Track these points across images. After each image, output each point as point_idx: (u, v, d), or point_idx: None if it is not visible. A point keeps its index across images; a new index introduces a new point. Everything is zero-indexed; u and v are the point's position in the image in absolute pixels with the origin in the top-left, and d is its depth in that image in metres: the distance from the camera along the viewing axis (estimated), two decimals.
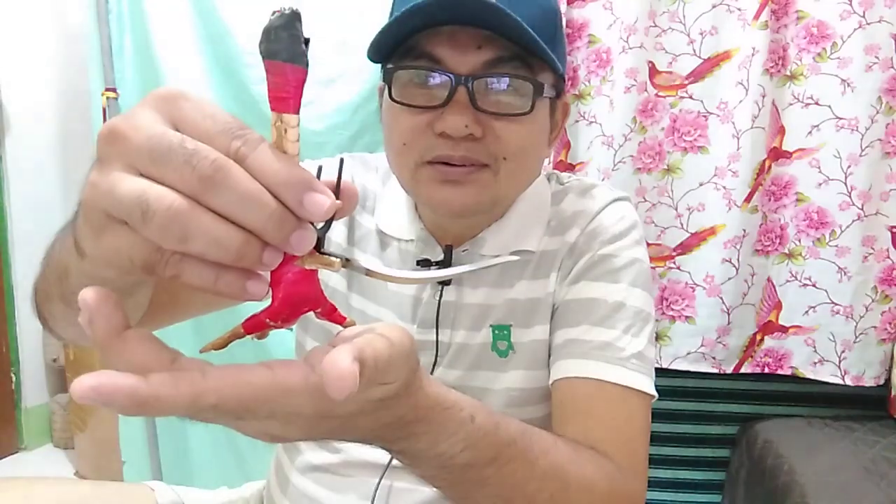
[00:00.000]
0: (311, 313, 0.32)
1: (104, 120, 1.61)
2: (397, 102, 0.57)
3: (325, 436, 0.33)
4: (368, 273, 0.33)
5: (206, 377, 0.27)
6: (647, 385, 0.60)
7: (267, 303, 0.30)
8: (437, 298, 0.66)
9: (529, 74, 0.57)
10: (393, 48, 0.58)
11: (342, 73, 1.50)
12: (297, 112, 0.28)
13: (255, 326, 0.31)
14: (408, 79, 0.57)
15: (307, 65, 0.27)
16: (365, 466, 0.66)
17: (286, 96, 0.27)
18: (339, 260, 0.31)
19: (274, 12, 0.26)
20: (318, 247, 0.30)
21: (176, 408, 0.26)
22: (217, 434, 1.62)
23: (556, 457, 0.48)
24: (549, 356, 0.65)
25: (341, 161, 0.32)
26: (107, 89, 1.60)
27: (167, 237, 0.25)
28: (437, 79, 0.56)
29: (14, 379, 2.20)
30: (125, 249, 0.27)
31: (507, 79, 0.56)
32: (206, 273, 0.27)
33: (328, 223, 0.30)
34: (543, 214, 0.68)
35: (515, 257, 0.43)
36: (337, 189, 0.30)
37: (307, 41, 0.27)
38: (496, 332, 0.66)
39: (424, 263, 0.66)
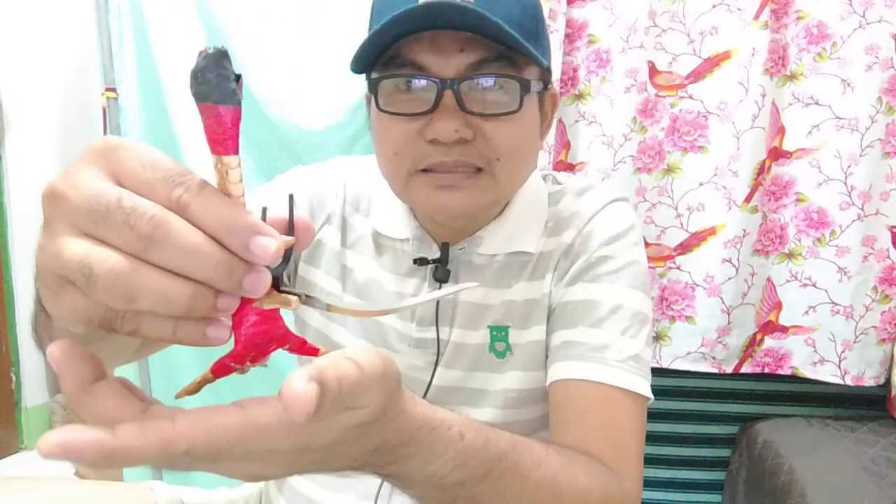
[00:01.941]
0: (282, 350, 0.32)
1: (104, 120, 1.61)
2: (385, 112, 0.57)
3: (309, 469, 0.33)
4: (329, 308, 0.32)
5: (174, 424, 0.26)
6: (644, 387, 0.60)
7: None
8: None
9: (515, 72, 0.56)
10: (375, 58, 0.57)
11: (342, 73, 1.50)
12: (237, 152, 0.27)
13: (222, 370, 0.30)
14: (393, 87, 0.57)
15: (239, 103, 0.26)
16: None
17: (223, 137, 0.26)
18: (297, 298, 0.30)
19: (200, 53, 0.25)
20: (277, 284, 0.29)
21: (146, 457, 0.26)
22: None
23: (549, 468, 0.48)
24: (547, 357, 0.65)
25: (291, 197, 0.32)
26: (107, 89, 1.61)
27: (114, 298, 0.25)
28: (422, 85, 0.55)
29: (14, 379, 2.20)
30: (80, 310, 0.27)
31: (493, 79, 0.56)
32: (163, 326, 0.27)
33: (285, 260, 0.29)
34: (540, 215, 0.68)
35: (474, 284, 0.43)
36: (290, 225, 0.30)
37: (238, 77, 0.26)
38: (494, 333, 0.66)
39: (421, 262, 0.66)
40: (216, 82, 0.25)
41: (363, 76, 0.61)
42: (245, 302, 0.28)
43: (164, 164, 0.26)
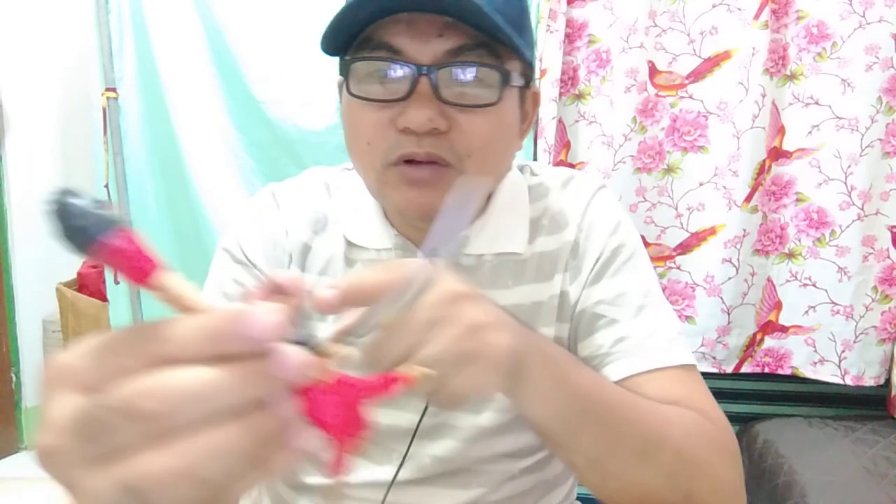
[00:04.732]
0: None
1: (104, 120, 1.61)
2: (356, 97, 0.54)
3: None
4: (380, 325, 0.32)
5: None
6: (692, 357, 0.62)
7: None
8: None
9: (496, 62, 0.53)
10: (348, 40, 0.54)
11: None
12: (158, 264, 0.23)
13: (342, 466, 0.26)
14: (366, 72, 0.53)
15: (117, 220, 0.22)
16: (365, 486, 0.63)
17: (135, 262, 0.23)
18: (342, 344, 0.27)
19: (47, 209, 0.22)
20: (314, 347, 0.25)
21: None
22: None
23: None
24: (594, 360, 0.63)
25: (260, 274, 0.29)
26: (107, 89, 1.61)
27: (183, 496, 0.21)
28: (397, 70, 0.52)
29: (14, 379, 2.20)
30: None
31: (473, 67, 0.52)
32: (248, 473, 0.23)
33: (303, 321, 0.25)
34: (522, 209, 0.65)
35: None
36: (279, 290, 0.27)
37: (99, 202, 0.22)
38: None
39: None
40: (79, 219, 0.22)
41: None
42: (306, 392, 0.24)
43: (111, 339, 0.23)
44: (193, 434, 0.21)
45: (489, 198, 0.64)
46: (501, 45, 0.53)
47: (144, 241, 0.23)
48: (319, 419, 0.25)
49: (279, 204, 0.67)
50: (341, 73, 0.55)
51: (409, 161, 0.54)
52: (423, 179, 0.54)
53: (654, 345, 0.59)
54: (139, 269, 0.23)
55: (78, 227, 0.22)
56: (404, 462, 0.61)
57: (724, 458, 0.54)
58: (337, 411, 0.25)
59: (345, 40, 0.54)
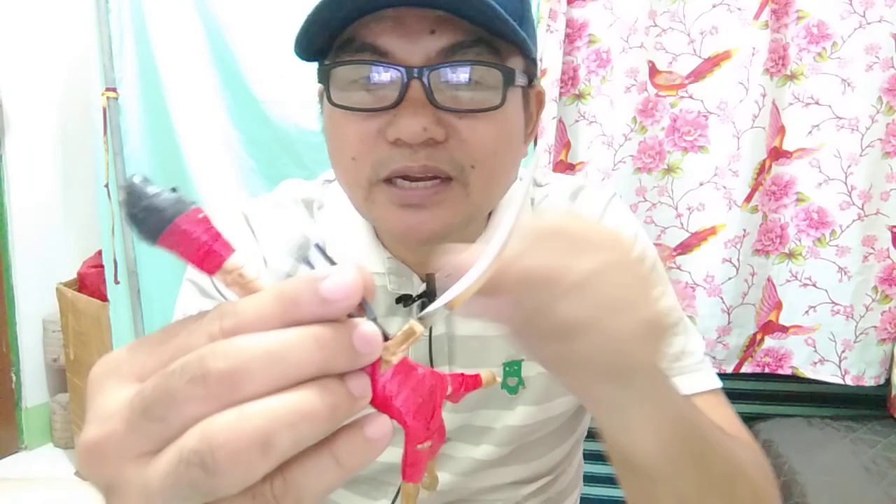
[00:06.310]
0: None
1: (104, 120, 1.61)
2: (339, 107, 0.48)
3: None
4: (452, 305, 0.27)
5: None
6: (718, 380, 0.57)
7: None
8: (427, 333, 0.56)
9: (497, 60, 0.47)
10: (327, 42, 0.48)
11: None
12: (233, 248, 0.22)
13: (415, 466, 0.25)
14: (349, 78, 0.47)
15: (192, 203, 0.22)
16: None
17: (209, 245, 0.22)
18: (413, 322, 0.24)
19: (121, 196, 0.22)
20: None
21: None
22: None
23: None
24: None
25: (317, 247, 0.27)
26: (107, 89, 1.61)
27: (249, 465, 0.19)
28: (384, 74, 0.46)
29: (14, 379, 2.20)
30: None
31: (471, 67, 0.46)
32: (321, 464, 0.21)
33: (364, 308, 0.23)
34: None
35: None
36: None
37: (174, 188, 0.22)
38: (507, 368, 0.59)
39: (405, 300, 0.55)
40: (157, 201, 0.21)
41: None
42: (373, 377, 0.23)
43: (171, 327, 0.22)
44: (262, 399, 0.20)
45: (489, 216, 0.57)
46: (501, 40, 0.47)
47: (211, 222, 0.22)
48: (389, 407, 0.23)
49: (254, 228, 0.59)
50: (320, 81, 0.50)
51: (403, 177, 0.47)
52: (418, 202, 0.48)
53: (682, 369, 0.54)
54: (208, 254, 0.22)
55: (153, 208, 0.21)
56: (399, 496, 0.59)
57: (776, 490, 0.48)
58: (410, 395, 0.23)
59: (323, 43, 0.48)
